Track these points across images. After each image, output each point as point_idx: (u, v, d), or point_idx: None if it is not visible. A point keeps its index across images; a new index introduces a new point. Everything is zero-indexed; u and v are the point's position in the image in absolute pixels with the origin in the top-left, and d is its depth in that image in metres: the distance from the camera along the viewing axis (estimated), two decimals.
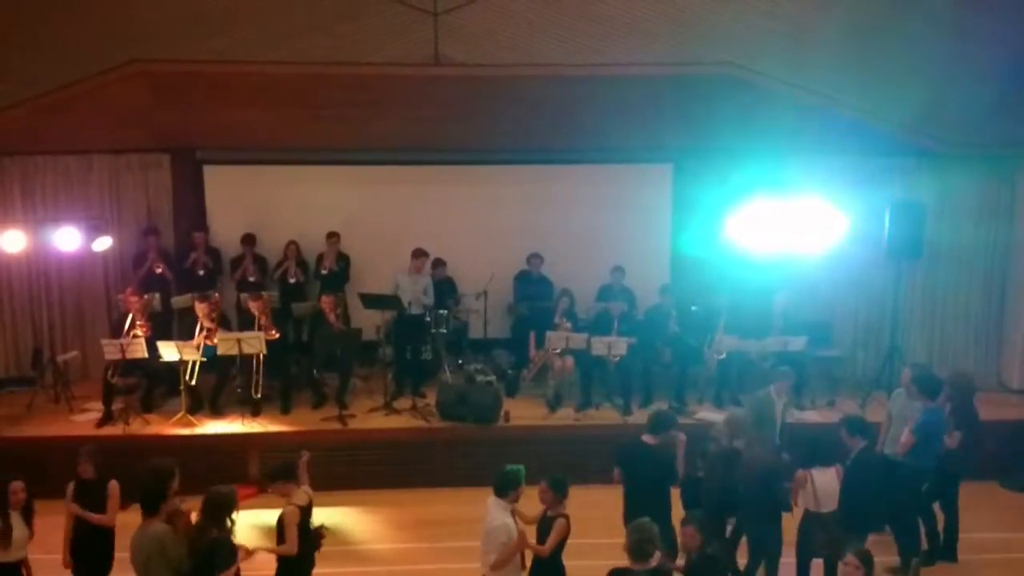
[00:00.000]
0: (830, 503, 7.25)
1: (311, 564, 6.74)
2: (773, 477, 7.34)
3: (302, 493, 6.72)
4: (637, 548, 5.55)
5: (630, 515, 6.83)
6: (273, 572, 6.59)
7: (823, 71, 9.85)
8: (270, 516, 6.83)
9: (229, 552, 6.12)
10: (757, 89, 10.23)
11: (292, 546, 6.43)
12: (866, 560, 5.64)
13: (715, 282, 11.52)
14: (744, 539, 7.65)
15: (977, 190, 11.60)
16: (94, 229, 10.95)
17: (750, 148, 11.38)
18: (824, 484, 7.22)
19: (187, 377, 10.17)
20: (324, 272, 11.77)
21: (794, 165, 11.53)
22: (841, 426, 7.76)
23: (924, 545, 8.43)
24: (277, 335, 10.70)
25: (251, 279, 11.71)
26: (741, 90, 10.17)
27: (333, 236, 11.84)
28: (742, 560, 7.57)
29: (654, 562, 5.60)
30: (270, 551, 6.47)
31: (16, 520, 6.73)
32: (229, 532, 6.13)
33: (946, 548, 8.56)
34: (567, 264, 12.10)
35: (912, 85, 9.74)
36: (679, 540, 6.29)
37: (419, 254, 11.52)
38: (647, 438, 7.54)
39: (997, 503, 9.76)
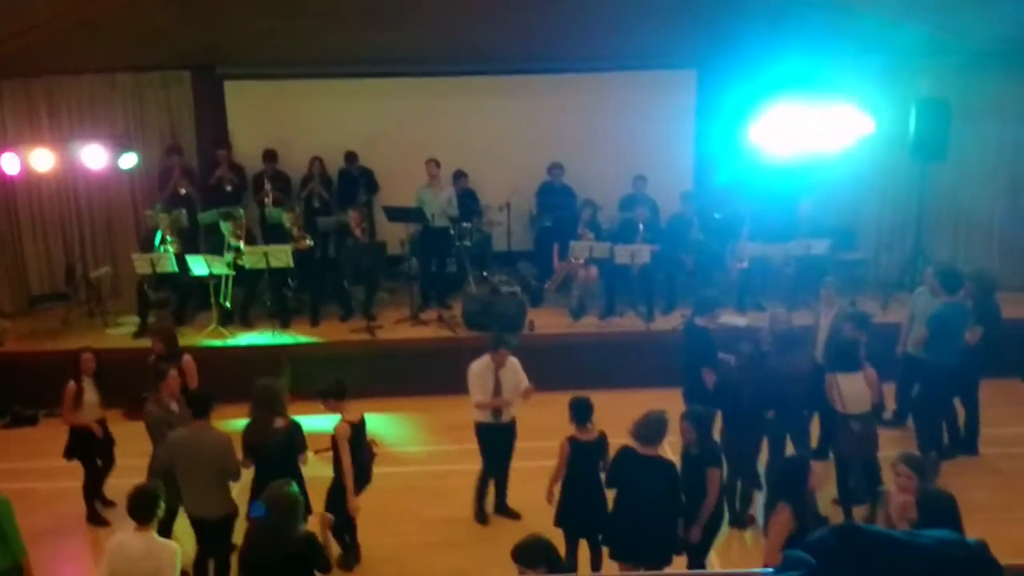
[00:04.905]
0: (858, 405, 7.38)
1: (367, 478, 6.94)
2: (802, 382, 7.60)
3: (355, 410, 6.85)
4: (645, 435, 6.09)
5: (687, 387, 8.00)
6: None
7: None
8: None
9: (303, 436, 6.53)
10: None
11: (347, 461, 6.62)
12: (917, 467, 5.71)
13: (738, 189, 11.48)
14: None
15: (1004, 90, 11.37)
16: (119, 147, 11.02)
17: (776, 51, 11.19)
18: (849, 388, 7.37)
19: (218, 293, 10.39)
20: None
21: (820, 66, 11.34)
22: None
23: (945, 440, 8.54)
24: (311, 243, 10.84)
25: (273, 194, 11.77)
26: None
27: (351, 155, 11.95)
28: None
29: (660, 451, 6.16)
30: (341, 477, 6.67)
31: (88, 385, 7.54)
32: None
33: (967, 442, 8.69)
34: (589, 174, 12.10)
35: None
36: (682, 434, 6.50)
37: (431, 162, 11.54)
38: (700, 320, 8.19)
39: (1019, 399, 9.85)
